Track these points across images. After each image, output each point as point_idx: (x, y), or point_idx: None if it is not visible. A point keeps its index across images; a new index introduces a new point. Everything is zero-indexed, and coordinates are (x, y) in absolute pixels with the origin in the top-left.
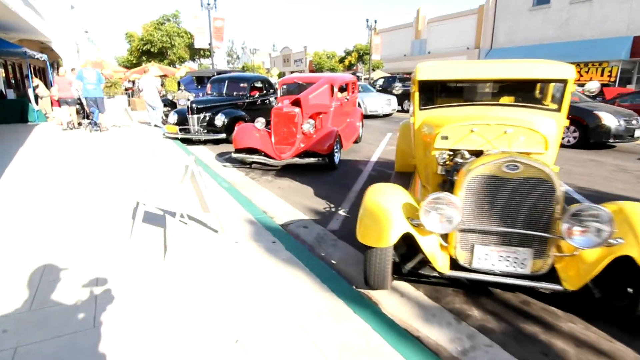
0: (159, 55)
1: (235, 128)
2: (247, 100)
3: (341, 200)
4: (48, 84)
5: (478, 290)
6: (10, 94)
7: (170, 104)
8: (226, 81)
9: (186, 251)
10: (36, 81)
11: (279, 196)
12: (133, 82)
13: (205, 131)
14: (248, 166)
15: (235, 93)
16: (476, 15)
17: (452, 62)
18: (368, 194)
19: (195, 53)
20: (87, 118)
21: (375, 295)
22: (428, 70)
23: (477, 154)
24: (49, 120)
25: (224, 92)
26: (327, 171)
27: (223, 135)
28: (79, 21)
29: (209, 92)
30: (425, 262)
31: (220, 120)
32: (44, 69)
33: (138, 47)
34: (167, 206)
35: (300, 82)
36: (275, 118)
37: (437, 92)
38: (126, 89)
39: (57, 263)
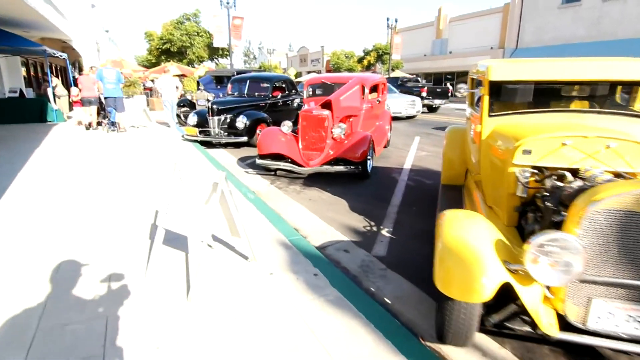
0: (178, 54)
1: (258, 131)
2: (269, 101)
3: (381, 216)
4: (68, 83)
5: (587, 353)
6: (30, 93)
7: (189, 104)
8: (247, 81)
9: (213, 286)
10: (55, 80)
11: (310, 210)
12: (152, 81)
13: (226, 134)
14: (272, 173)
15: (256, 94)
16: (501, 13)
17: (526, 60)
18: (446, 226)
19: (214, 52)
20: (106, 118)
21: (449, 353)
22: (503, 69)
23: (573, 173)
24: (67, 120)
25: (245, 92)
26: (359, 180)
27: (244, 139)
28: (100, 20)
29: (230, 92)
30: (517, 313)
31: (241, 122)
32: (65, 68)
33: (157, 47)
34: (190, 229)
35: (328, 83)
36: (303, 121)
37: (510, 96)
38: (145, 89)
39: (60, 298)
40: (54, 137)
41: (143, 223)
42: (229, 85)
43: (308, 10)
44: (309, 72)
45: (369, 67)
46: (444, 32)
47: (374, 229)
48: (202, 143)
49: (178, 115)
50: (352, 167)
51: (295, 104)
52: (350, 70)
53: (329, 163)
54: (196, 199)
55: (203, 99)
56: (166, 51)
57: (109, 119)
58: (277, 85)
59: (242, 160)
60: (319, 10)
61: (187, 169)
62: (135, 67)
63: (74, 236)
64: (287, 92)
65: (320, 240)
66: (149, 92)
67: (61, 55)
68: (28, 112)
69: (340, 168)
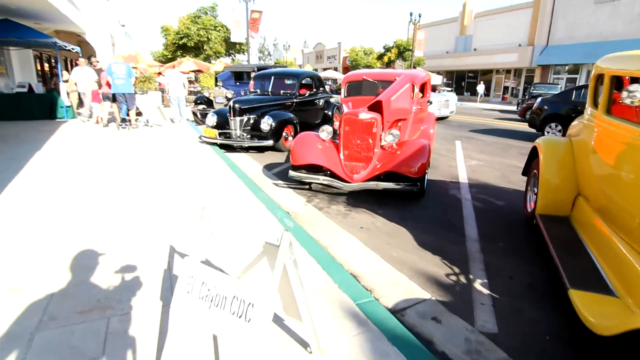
0: (195, 49)
1: (284, 134)
2: (295, 100)
3: (462, 256)
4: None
5: None
6: (39, 88)
7: (206, 102)
8: (272, 78)
9: None
10: (66, 75)
11: (366, 244)
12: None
13: (249, 136)
14: (307, 187)
15: (282, 91)
16: (531, 9)
17: None
18: None
19: (230, 47)
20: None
21: None
22: None
23: None
24: (77, 117)
25: (269, 90)
26: (413, 199)
27: (270, 142)
28: (115, 14)
29: (252, 89)
30: None
31: (267, 124)
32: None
33: (174, 41)
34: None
35: (371, 80)
36: (345, 126)
37: None
38: (160, 84)
39: None
40: (61, 136)
41: (153, 274)
42: (251, 82)
43: (324, 6)
44: (325, 69)
45: (389, 64)
46: (468, 28)
47: (462, 278)
48: (222, 146)
49: (194, 114)
50: (407, 184)
51: (321, 103)
52: (368, 66)
53: (377, 178)
54: (235, 266)
55: (221, 96)
56: (182, 46)
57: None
58: (305, 82)
59: (268, 168)
60: (336, 6)
61: (220, 214)
62: (151, 62)
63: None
64: (314, 89)
65: (394, 296)
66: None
67: (73, 49)
68: (37, 108)
69: (392, 185)
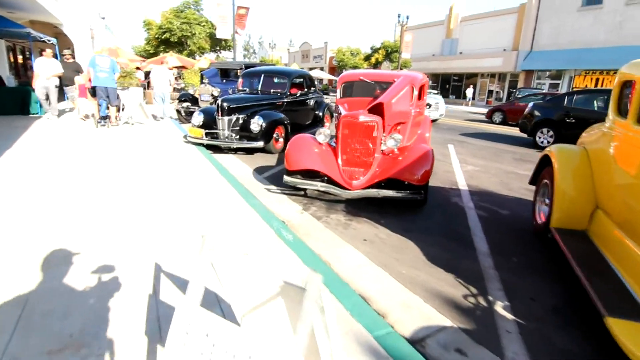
0: (178, 45)
1: (275, 135)
2: (286, 100)
3: (476, 274)
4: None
5: None
6: (11, 82)
7: (191, 99)
8: (261, 76)
9: None
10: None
11: (373, 260)
12: (147, 73)
13: (238, 137)
14: (302, 193)
15: (272, 90)
16: (516, 14)
17: None
18: None
19: (216, 44)
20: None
21: None
22: None
23: None
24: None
25: (259, 88)
26: (415, 207)
27: (260, 144)
28: (95, 5)
29: (240, 88)
30: None
31: (257, 124)
32: (54, 55)
33: (156, 36)
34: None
35: (368, 81)
36: (344, 129)
37: None
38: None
39: None
40: (33, 133)
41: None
42: (240, 80)
43: (311, 5)
44: (311, 69)
45: (376, 65)
46: (454, 32)
47: (481, 300)
48: (208, 147)
49: (178, 112)
50: (410, 192)
51: (312, 103)
52: (355, 67)
53: (378, 184)
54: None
55: (207, 93)
56: (165, 41)
57: (99, 113)
58: (296, 81)
59: (259, 171)
60: (323, 5)
61: (220, 243)
62: (132, 57)
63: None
64: (305, 89)
65: (409, 323)
66: (147, 84)
67: (49, 40)
68: (9, 102)
69: (394, 193)
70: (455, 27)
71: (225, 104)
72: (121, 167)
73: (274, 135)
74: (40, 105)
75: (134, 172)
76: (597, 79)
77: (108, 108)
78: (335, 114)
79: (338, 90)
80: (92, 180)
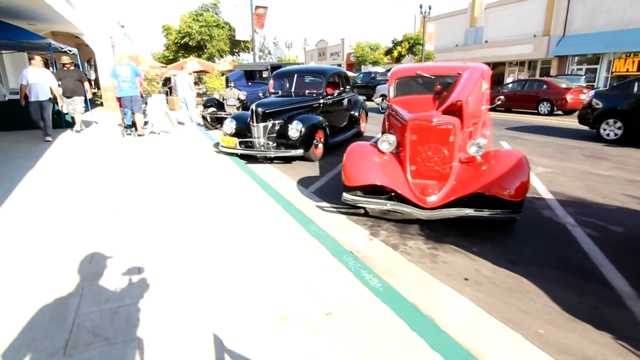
0: (197, 49)
1: (315, 141)
2: (324, 101)
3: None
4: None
5: None
6: None
7: (216, 104)
8: (294, 76)
9: None
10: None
11: (490, 311)
12: (168, 79)
13: (275, 145)
14: (361, 211)
15: (307, 91)
16: None
17: None
18: None
19: (235, 46)
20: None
21: None
22: None
23: None
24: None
25: (293, 90)
26: (504, 226)
27: (300, 152)
28: (114, 14)
29: (272, 90)
30: None
31: (296, 130)
32: (76, 66)
33: (176, 41)
34: None
35: (427, 75)
36: (413, 134)
37: None
38: (164, 85)
39: None
40: (60, 147)
41: None
42: (271, 82)
43: (325, 2)
44: None
45: (399, 59)
46: (478, 20)
47: None
48: (242, 156)
49: (204, 118)
50: (506, 211)
51: (345, 103)
52: (375, 63)
53: (459, 201)
54: None
55: (233, 98)
56: (184, 46)
57: (124, 122)
58: (331, 80)
59: (303, 184)
60: (336, 2)
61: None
62: (153, 64)
63: None
64: (341, 88)
65: None
66: (169, 90)
67: (70, 50)
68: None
69: (486, 214)
70: (479, 15)
71: (259, 109)
72: (151, 181)
73: (314, 141)
74: (64, 118)
75: (166, 188)
76: None
77: (133, 115)
78: (386, 115)
79: (391, 89)
80: (121, 195)
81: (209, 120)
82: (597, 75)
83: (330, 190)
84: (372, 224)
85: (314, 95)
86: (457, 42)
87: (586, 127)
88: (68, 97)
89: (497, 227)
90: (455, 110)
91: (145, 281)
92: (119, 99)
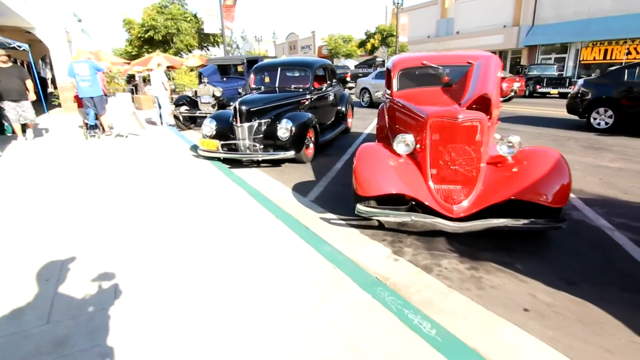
0: (163, 44)
1: (306, 140)
2: (311, 96)
3: None
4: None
5: None
6: None
7: (189, 102)
8: (278, 69)
9: None
10: None
11: (567, 354)
12: (132, 76)
13: (262, 147)
14: (374, 222)
15: (293, 86)
16: None
17: None
18: None
19: (204, 40)
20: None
21: None
22: None
23: None
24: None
25: (277, 85)
26: (539, 235)
27: (291, 153)
28: (69, 5)
29: (253, 85)
30: None
31: (285, 129)
32: (28, 64)
33: (139, 35)
34: None
35: (434, 66)
36: (435, 134)
37: None
38: (128, 82)
39: None
40: (7, 159)
41: None
42: (252, 76)
43: None
44: None
45: (372, 51)
46: (449, 11)
47: None
48: (224, 160)
49: (175, 117)
50: (550, 220)
51: (332, 98)
52: (349, 55)
53: (493, 210)
54: None
55: (208, 95)
56: (149, 40)
57: (87, 123)
58: (318, 73)
59: (300, 190)
60: None
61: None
62: (115, 60)
63: None
64: (328, 81)
65: None
66: (134, 88)
67: (19, 47)
68: None
69: (528, 224)
70: (450, 6)
71: (243, 108)
72: (123, 192)
73: (306, 141)
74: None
75: (140, 199)
76: (607, 50)
77: (97, 117)
78: (385, 109)
79: (394, 81)
80: (87, 216)
81: (181, 120)
82: (565, 64)
83: (332, 198)
84: (391, 239)
85: (300, 90)
86: (429, 34)
87: (575, 117)
88: (14, 101)
89: (532, 236)
90: (477, 105)
91: None
92: (78, 99)
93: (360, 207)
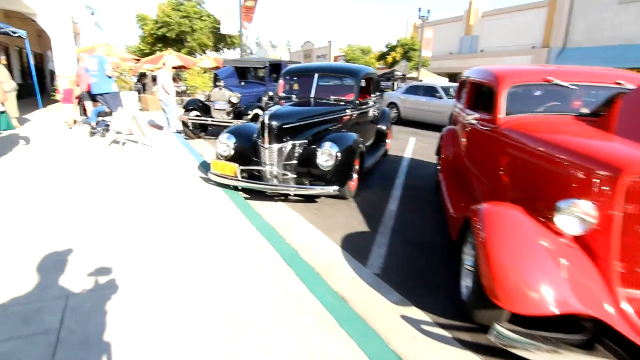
0: (177, 42)
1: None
2: (357, 111)
3: None
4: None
5: None
6: None
7: (200, 108)
8: (315, 76)
9: None
10: None
11: None
12: (143, 74)
13: (293, 176)
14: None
15: (333, 98)
16: (546, 8)
17: None
18: None
19: (219, 41)
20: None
21: None
22: None
23: None
24: (20, 127)
25: (312, 95)
26: None
27: (334, 188)
28: None
29: (282, 93)
30: None
31: (329, 155)
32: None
33: (152, 32)
34: None
35: (562, 84)
36: (631, 203)
37: None
38: (138, 80)
39: None
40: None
41: None
42: (280, 83)
43: (311, 4)
44: None
45: (392, 64)
46: (474, 28)
47: None
48: (241, 188)
49: (184, 124)
50: None
51: (371, 114)
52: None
53: None
54: None
55: (223, 100)
56: (162, 38)
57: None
58: (363, 83)
59: (352, 249)
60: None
61: None
62: (124, 55)
63: None
64: (372, 94)
65: None
66: (143, 86)
67: (14, 32)
68: None
69: None
70: (475, 23)
71: (274, 123)
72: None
73: (351, 172)
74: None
75: (115, 243)
76: None
77: (107, 114)
78: (463, 134)
79: (500, 102)
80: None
81: (190, 126)
82: None
83: (405, 269)
84: None
85: (342, 103)
86: (452, 50)
87: None
88: None
89: None
90: None
91: None
92: (77, 96)
93: (500, 329)
